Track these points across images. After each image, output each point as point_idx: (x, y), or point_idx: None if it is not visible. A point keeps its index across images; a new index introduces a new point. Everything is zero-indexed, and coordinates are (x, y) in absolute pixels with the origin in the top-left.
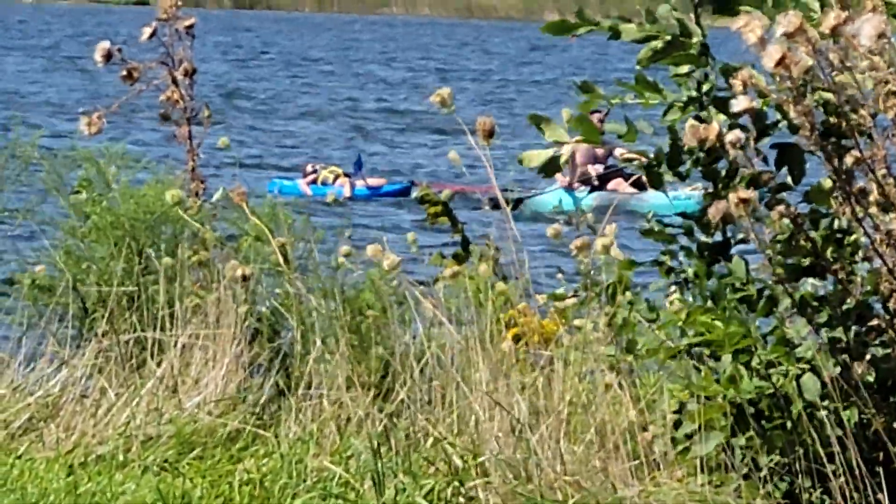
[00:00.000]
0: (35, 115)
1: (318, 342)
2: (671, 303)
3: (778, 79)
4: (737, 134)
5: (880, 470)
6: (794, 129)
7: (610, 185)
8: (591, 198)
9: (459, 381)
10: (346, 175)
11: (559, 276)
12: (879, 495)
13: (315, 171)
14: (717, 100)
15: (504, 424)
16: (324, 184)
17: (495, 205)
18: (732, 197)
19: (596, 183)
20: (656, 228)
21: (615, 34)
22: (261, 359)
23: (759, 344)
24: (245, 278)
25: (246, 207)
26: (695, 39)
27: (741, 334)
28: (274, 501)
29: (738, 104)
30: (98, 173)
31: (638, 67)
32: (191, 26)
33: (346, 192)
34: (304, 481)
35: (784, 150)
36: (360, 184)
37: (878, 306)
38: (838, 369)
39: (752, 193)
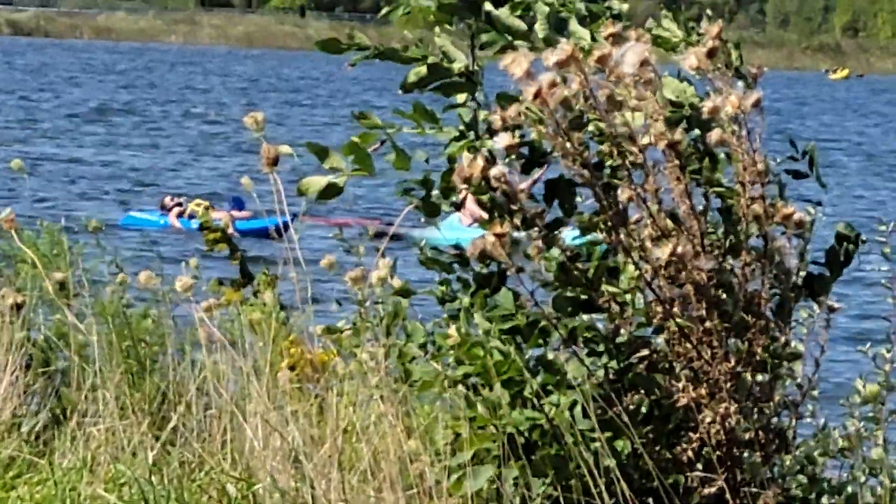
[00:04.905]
0: None
1: (94, 369)
2: (445, 335)
3: (545, 112)
4: (500, 169)
5: (650, 501)
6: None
7: None
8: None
9: (234, 409)
10: (212, 208)
11: (334, 308)
12: None
13: (180, 204)
14: (491, 129)
15: (279, 453)
16: (191, 217)
17: (378, 235)
18: (488, 234)
19: None
20: (433, 258)
21: (380, 55)
22: (36, 386)
23: (528, 373)
24: (18, 306)
25: (16, 235)
26: (457, 65)
27: (508, 364)
28: None
29: (501, 141)
30: None
31: (400, 93)
32: None
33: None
34: None
35: (553, 184)
36: (239, 215)
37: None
38: (604, 401)
39: (506, 229)
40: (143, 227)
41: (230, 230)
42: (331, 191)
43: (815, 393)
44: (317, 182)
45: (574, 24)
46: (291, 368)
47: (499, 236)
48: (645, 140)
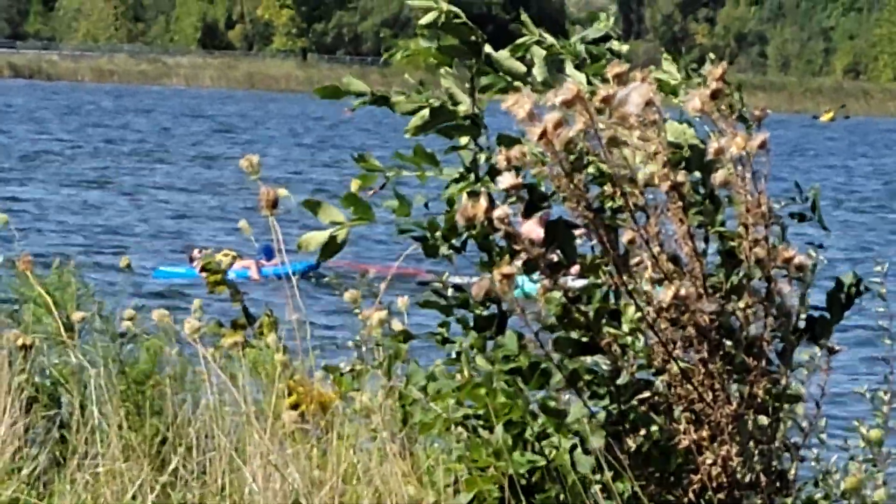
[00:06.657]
0: None
1: (96, 411)
2: (450, 375)
3: (549, 152)
4: (504, 210)
5: None
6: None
7: None
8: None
9: (232, 452)
10: (240, 258)
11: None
12: None
13: None
14: (492, 171)
15: (279, 495)
16: None
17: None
18: (496, 273)
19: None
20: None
21: (377, 100)
22: (37, 428)
23: (529, 415)
24: (25, 347)
25: (30, 275)
26: (462, 108)
27: (510, 405)
28: None
29: (505, 181)
30: None
31: (407, 136)
32: None
33: (254, 275)
34: None
35: (552, 226)
36: (268, 265)
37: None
38: (603, 441)
39: (514, 269)
40: (172, 279)
41: (257, 277)
42: (331, 247)
43: (823, 436)
44: (318, 237)
45: (570, 68)
46: (295, 407)
47: (506, 276)
48: (647, 181)
